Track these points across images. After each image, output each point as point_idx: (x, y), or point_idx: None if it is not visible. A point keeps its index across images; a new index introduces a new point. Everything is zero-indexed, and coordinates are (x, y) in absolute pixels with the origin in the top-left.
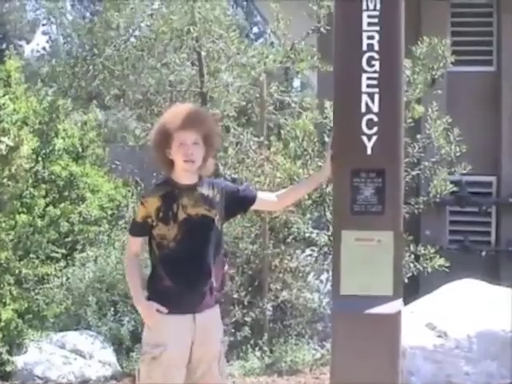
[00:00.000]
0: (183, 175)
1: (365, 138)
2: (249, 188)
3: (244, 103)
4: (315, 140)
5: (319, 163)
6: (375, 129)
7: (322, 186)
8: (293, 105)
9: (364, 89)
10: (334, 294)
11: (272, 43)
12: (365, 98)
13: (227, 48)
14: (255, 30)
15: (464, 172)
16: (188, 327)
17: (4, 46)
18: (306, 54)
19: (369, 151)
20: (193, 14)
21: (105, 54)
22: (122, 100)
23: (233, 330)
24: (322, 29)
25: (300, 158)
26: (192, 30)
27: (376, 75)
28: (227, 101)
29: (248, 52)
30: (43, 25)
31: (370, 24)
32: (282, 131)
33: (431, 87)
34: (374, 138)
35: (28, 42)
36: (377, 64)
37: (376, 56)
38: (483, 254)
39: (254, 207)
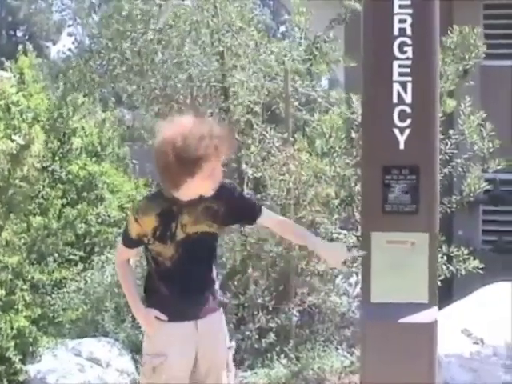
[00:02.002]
0: (189, 193)
1: (397, 132)
2: (254, 207)
3: (268, 99)
4: (342, 136)
5: (346, 160)
6: (408, 121)
7: (351, 184)
8: (319, 99)
9: (396, 77)
10: (363, 301)
11: (293, 38)
12: (397, 87)
13: (247, 42)
14: (282, 29)
15: (498, 169)
16: (190, 335)
17: (31, 47)
18: (330, 46)
19: (401, 146)
20: (214, 6)
21: (121, 47)
22: (139, 96)
23: (257, 337)
24: (346, 19)
25: (327, 156)
26: (211, 22)
27: (409, 62)
28: (249, 96)
29: (269, 47)
30: (69, 26)
31: (401, 6)
32: (306, 128)
33: (463, 79)
34: (407, 131)
35: (54, 43)
36: (409, 50)
37: (408, 41)
38: None
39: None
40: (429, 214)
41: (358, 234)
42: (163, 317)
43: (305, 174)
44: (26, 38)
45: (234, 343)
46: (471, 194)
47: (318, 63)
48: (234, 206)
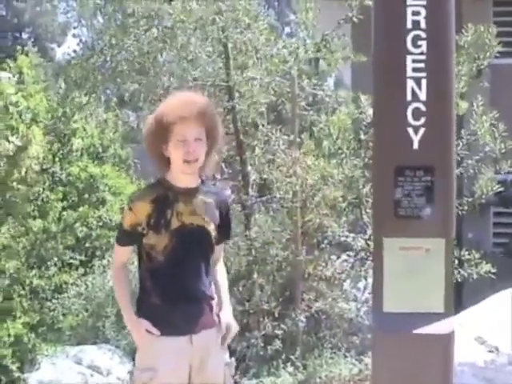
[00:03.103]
0: (181, 177)
1: (411, 131)
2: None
3: (274, 98)
4: (350, 137)
5: (354, 162)
6: (423, 120)
7: (359, 186)
8: (326, 99)
9: (409, 73)
10: (375, 311)
11: (301, 36)
12: (410, 83)
13: (255, 39)
14: (287, 30)
15: (509, 170)
16: (184, 349)
17: (36, 49)
18: (338, 44)
19: (415, 145)
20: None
21: (124, 45)
22: (142, 95)
23: (263, 344)
24: (354, 18)
25: (334, 157)
26: (218, 19)
27: (423, 57)
28: (255, 96)
29: (278, 44)
30: (74, 27)
31: None
32: (314, 129)
33: (476, 79)
34: (422, 130)
35: (59, 45)
36: (424, 44)
37: (423, 35)
38: None
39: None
40: (444, 218)
41: (367, 237)
42: (155, 331)
43: (311, 178)
44: (32, 40)
45: (233, 360)
46: (483, 196)
47: (329, 54)
48: (225, 216)
